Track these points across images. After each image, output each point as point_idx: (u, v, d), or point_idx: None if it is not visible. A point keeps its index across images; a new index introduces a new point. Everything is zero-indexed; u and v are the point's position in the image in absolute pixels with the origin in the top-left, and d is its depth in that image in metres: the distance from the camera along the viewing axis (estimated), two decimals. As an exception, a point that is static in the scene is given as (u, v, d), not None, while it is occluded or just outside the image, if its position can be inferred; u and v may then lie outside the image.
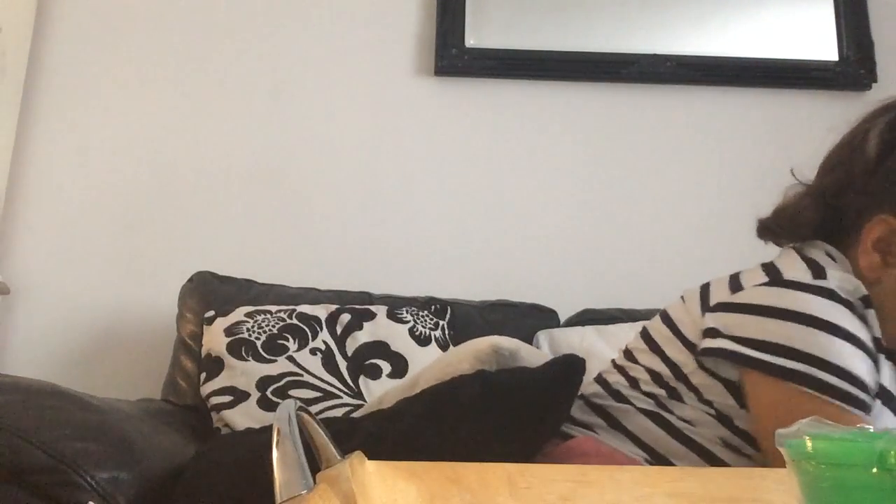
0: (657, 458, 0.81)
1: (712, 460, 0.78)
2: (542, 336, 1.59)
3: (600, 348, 1.47)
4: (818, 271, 0.77)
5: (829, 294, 0.74)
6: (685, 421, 0.81)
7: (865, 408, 0.71)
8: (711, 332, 0.79)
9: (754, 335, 0.74)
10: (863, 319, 0.74)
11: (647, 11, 1.96)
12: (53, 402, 0.91)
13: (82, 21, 1.95)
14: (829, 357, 0.70)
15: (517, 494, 0.52)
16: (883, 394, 0.74)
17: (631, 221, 1.87)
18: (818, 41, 1.95)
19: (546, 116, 1.93)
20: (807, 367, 0.70)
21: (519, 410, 0.79)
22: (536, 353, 0.96)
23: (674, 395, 0.82)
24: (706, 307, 0.82)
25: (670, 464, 0.80)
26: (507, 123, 1.93)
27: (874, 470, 0.35)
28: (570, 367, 0.84)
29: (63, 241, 1.84)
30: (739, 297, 0.79)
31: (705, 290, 0.85)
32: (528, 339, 1.60)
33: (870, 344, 0.74)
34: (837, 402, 0.69)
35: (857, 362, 0.71)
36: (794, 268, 0.79)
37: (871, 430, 0.39)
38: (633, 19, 1.95)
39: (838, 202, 0.82)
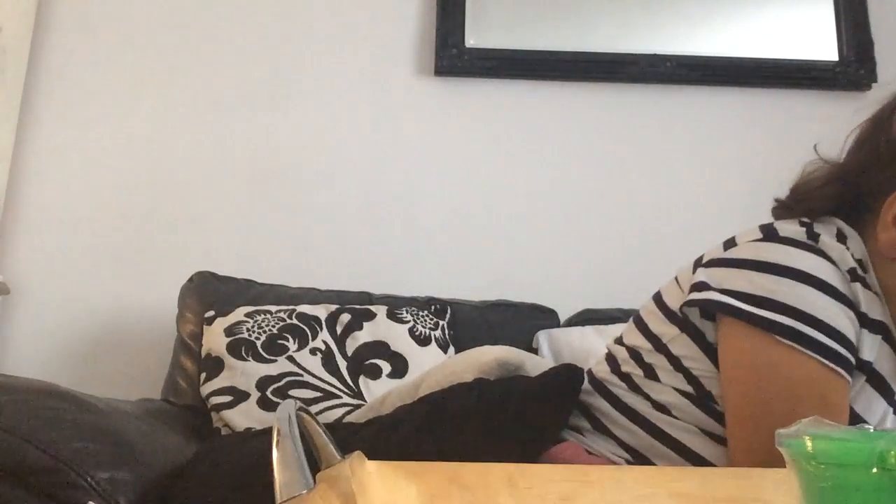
0: (638, 459, 0.81)
1: (689, 456, 0.78)
2: (542, 336, 1.59)
3: (600, 348, 1.47)
4: (812, 235, 0.77)
5: (820, 253, 0.74)
6: (662, 408, 0.80)
7: (847, 364, 0.70)
8: (699, 286, 0.78)
9: (741, 288, 0.74)
10: (850, 290, 0.74)
11: (647, 11, 1.96)
12: (53, 402, 0.91)
13: (82, 21, 1.95)
14: (814, 312, 0.70)
15: (517, 494, 0.52)
16: (868, 371, 0.74)
17: (631, 221, 1.87)
18: (818, 41, 1.95)
19: (546, 116, 1.93)
20: (790, 320, 0.70)
21: (516, 420, 0.79)
22: (542, 364, 0.95)
23: (650, 373, 0.82)
24: (698, 266, 0.82)
25: (651, 464, 0.80)
26: (507, 123, 1.93)
27: (874, 470, 0.35)
28: (569, 377, 0.84)
29: (63, 241, 1.84)
30: (731, 253, 0.79)
31: (698, 260, 0.85)
32: (529, 339, 1.60)
33: (854, 311, 0.73)
34: (817, 356, 0.69)
35: (842, 320, 0.71)
36: (790, 227, 0.79)
37: (871, 430, 0.39)
38: (633, 19, 1.95)
39: (860, 180, 0.81)
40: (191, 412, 1.43)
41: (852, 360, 0.71)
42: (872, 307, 0.74)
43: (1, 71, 1.79)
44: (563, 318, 1.68)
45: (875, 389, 0.74)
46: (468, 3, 1.93)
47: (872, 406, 0.74)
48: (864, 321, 0.73)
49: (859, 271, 0.75)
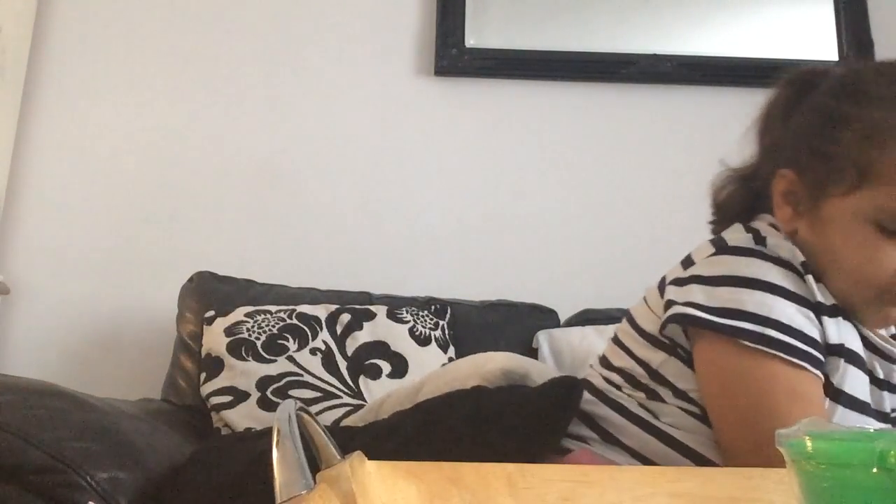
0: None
1: (707, 465, 0.78)
2: (542, 336, 1.59)
3: (600, 348, 1.47)
4: (759, 239, 0.81)
5: (770, 258, 0.77)
6: (672, 424, 0.80)
7: (813, 360, 0.73)
8: (668, 304, 0.81)
9: (704, 301, 0.76)
10: (802, 284, 0.77)
11: (647, 11, 1.96)
12: (53, 402, 0.91)
13: (82, 21, 1.95)
14: (773, 314, 0.73)
15: (517, 494, 0.52)
16: (843, 352, 0.75)
17: (631, 221, 1.87)
18: (818, 41, 1.95)
19: (546, 116, 1.93)
20: (752, 325, 0.73)
21: (512, 432, 0.79)
22: (547, 373, 0.94)
23: (653, 395, 0.82)
24: (664, 289, 0.84)
25: None
26: (507, 123, 1.93)
27: (874, 470, 0.35)
28: (568, 389, 0.83)
29: (63, 241, 1.83)
30: (691, 271, 0.82)
31: (662, 280, 0.87)
32: (528, 339, 1.60)
33: (809, 306, 0.76)
34: (782, 355, 0.71)
35: (800, 318, 0.74)
36: (738, 236, 0.83)
37: (871, 430, 0.39)
38: (633, 19, 1.95)
39: (758, 173, 0.87)
40: (191, 412, 1.43)
41: (818, 356, 0.74)
42: (825, 293, 0.77)
43: (1, 70, 1.79)
44: (563, 318, 1.68)
45: (855, 367, 0.76)
46: (468, 3, 1.93)
47: (858, 384, 0.76)
48: (821, 309, 0.76)
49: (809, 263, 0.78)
